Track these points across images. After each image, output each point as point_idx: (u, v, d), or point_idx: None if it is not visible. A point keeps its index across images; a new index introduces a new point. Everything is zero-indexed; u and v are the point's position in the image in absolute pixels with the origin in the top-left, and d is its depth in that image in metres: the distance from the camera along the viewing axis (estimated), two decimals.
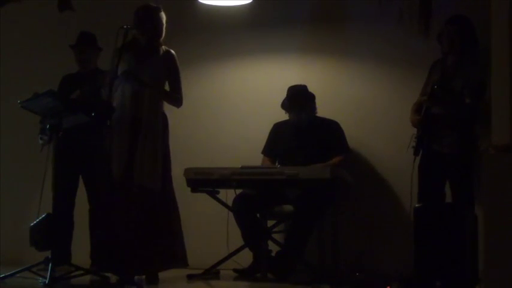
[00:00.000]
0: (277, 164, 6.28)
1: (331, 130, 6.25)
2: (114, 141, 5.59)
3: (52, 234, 5.63)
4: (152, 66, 5.62)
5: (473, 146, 5.67)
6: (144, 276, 5.65)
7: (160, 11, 5.66)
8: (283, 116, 6.33)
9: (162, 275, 5.79)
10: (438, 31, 5.83)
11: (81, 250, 6.21)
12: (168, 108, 5.83)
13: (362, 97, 6.51)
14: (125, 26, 5.49)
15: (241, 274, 6.11)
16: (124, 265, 5.47)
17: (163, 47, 5.71)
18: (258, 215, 6.13)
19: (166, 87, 5.79)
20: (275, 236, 6.17)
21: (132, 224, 5.48)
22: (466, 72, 5.62)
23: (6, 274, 5.55)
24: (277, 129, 6.39)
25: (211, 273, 6.09)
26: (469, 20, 5.74)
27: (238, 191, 6.16)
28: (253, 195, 6.10)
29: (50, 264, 5.39)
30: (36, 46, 7.14)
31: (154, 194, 5.55)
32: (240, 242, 6.11)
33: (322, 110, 6.33)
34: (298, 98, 6.22)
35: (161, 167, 5.58)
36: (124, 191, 5.50)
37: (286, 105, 6.25)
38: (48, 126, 5.66)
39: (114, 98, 5.58)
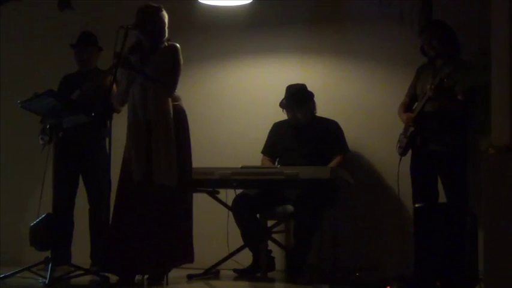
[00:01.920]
0: (277, 163, 6.30)
1: (330, 129, 6.25)
2: (131, 145, 5.57)
3: (52, 234, 5.63)
4: (153, 63, 5.58)
5: (465, 143, 5.69)
6: (145, 277, 5.64)
7: (162, 11, 5.63)
8: (283, 116, 6.33)
9: None
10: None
11: (81, 250, 6.22)
12: None
13: (361, 97, 6.52)
14: (125, 26, 5.48)
15: (241, 274, 6.12)
16: (136, 266, 5.46)
17: (166, 43, 5.66)
18: (258, 215, 6.14)
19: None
20: (275, 236, 6.17)
21: (153, 224, 5.46)
22: (456, 71, 5.64)
23: (6, 274, 5.55)
24: (277, 129, 6.40)
25: (211, 273, 6.09)
26: (443, 23, 5.77)
27: (238, 191, 6.16)
28: (253, 195, 6.10)
29: (50, 264, 5.39)
30: (36, 46, 7.14)
31: (172, 192, 5.48)
32: (240, 242, 6.12)
33: (322, 110, 6.33)
34: (296, 96, 6.22)
35: (177, 163, 5.51)
36: (144, 192, 5.48)
37: (284, 103, 6.25)
38: (48, 126, 5.66)
39: (129, 101, 5.59)
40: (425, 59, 5.89)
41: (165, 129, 5.52)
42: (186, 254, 5.62)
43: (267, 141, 6.40)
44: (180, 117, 5.64)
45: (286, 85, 6.29)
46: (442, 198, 5.80)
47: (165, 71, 5.56)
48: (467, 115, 5.72)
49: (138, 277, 5.56)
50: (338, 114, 6.37)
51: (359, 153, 6.45)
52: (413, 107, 5.88)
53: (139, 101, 5.56)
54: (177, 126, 5.60)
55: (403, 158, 5.87)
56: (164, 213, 5.46)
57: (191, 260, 5.69)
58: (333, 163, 6.07)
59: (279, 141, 6.34)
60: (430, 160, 5.74)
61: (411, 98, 5.93)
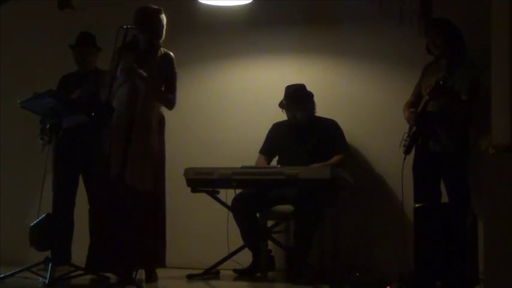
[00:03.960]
0: (276, 163, 6.30)
1: (329, 129, 6.25)
2: (111, 143, 5.58)
3: (52, 234, 5.63)
4: (149, 67, 5.60)
5: (468, 144, 5.69)
6: (144, 275, 5.64)
7: (161, 13, 5.64)
8: (283, 116, 6.32)
9: (161, 274, 5.79)
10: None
11: (81, 250, 6.20)
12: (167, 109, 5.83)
13: (361, 97, 6.52)
14: (125, 26, 5.48)
15: (241, 274, 6.12)
16: (120, 263, 5.47)
17: (162, 49, 5.70)
18: (258, 215, 6.14)
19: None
20: (275, 236, 6.17)
21: (124, 223, 5.47)
22: (459, 71, 5.64)
23: (6, 274, 5.55)
24: (276, 129, 6.39)
25: (211, 273, 6.10)
26: (448, 20, 5.76)
27: (238, 191, 6.16)
28: (253, 195, 6.10)
29: (50, 264, 5.39)
30: (36, 46, 7.13)
31: (146, 195, 5.53)
32: (240, 242, 6.12)
33: (321, 110, 6.33)
34: (295, 97, 6.22)
35: (153, 168, 5.54)
36: (119, 191, 5.49)
37: (283, 104, 6.25)
38: (48, 126, 5.66)
39: (114, 99, 5.57)
40: (430, 58, 5.89)
41: (147, 134, 5.53)
42: (155, 258, 5.66)
43: (265, 141, 6.40)
44: (162, 124, 5.70)
45: (286, 85, 6.29)
46: (445, 198, 5.80)
47: (158, 78, 5.57)
48: (469, 116, 5.71)
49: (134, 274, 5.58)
50: (338, 114, 6.36)
51: (359, 153, 6.45)
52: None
53: (126, 100, 5.56)
54: (160, 132, 5.66)
55: (407, 157, 5.85)
56: (137, 214, 5.50)
57: (162, 265, 5.73)
58: (331, 162, 6.06)
59: (278, 142, 6.34)
60: (432, 160, 5.73)
61: (417, 96, 5.91)
